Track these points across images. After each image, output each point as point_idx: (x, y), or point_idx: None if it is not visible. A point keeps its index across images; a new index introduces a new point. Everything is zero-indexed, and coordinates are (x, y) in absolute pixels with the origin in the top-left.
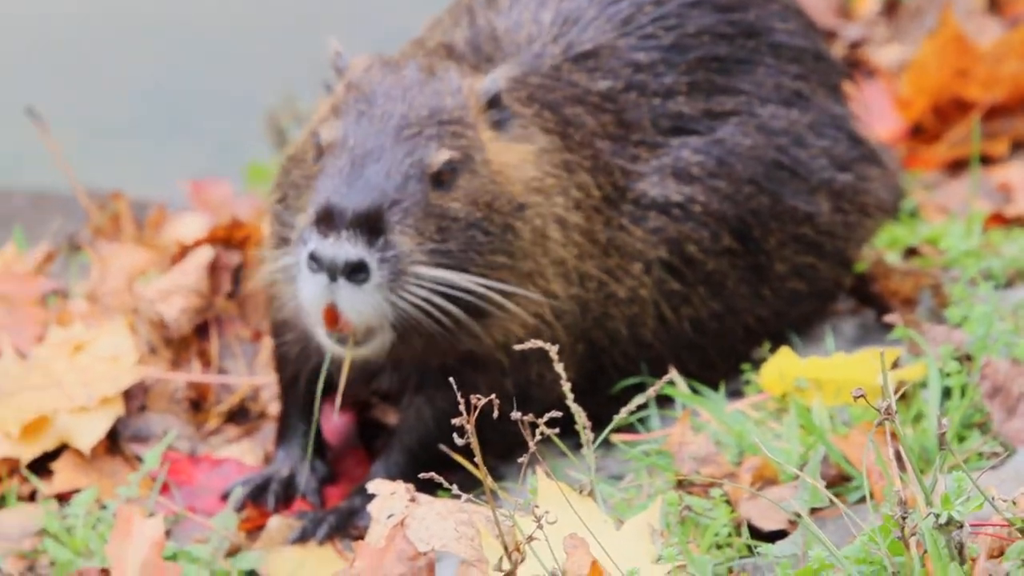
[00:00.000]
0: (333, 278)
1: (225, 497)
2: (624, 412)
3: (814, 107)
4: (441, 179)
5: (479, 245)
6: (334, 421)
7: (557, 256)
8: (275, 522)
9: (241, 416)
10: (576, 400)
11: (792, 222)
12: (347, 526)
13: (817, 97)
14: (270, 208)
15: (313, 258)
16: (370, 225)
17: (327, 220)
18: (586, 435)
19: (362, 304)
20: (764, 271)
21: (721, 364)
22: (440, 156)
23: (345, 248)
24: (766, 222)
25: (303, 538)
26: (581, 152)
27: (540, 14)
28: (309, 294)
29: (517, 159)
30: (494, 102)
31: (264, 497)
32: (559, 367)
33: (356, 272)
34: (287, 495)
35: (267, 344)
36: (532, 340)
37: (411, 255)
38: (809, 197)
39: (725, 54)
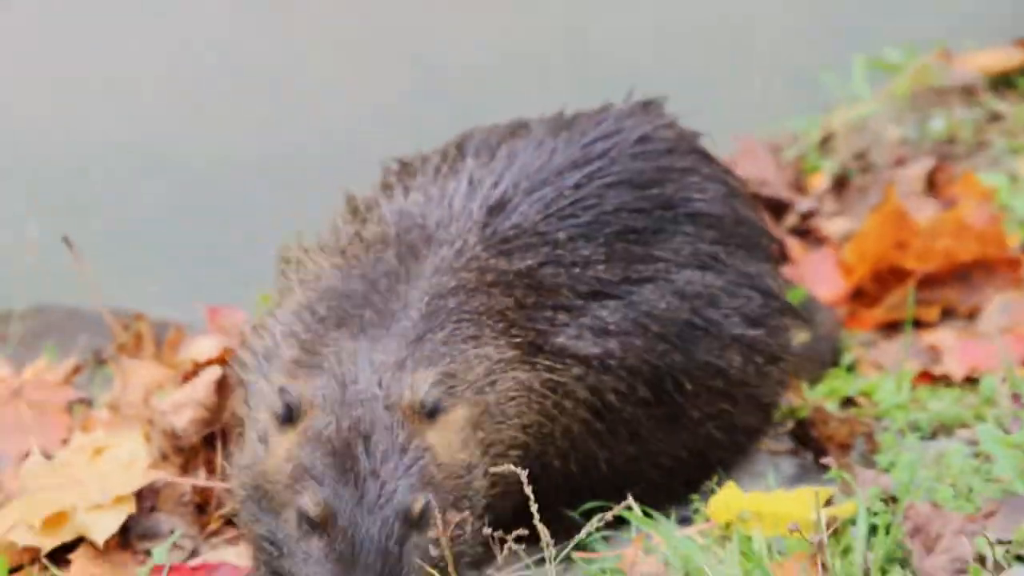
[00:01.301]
0: None
1: None
2: (584, 532)
3: (730, 269)
4: (422, 518)
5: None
6: None
7: (514, 426)
8: None
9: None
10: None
11: (704, 375)
12: None
13: (734, 259)
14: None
15: None
16: None
17: None
18: (548, 552)
19: None
20: (679, 418)
21: (646, 498)
22: (418, 504)
23: None
24: (678, 376)
25: None
26: (500, 334)
27: (469, 204)
28: None
29: (455, 431)
30: (429, 406)
31: None
32: (529, 490)
33: None
34: None
35: None
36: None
37: None
38: (720, 352)
39: (642, 226)
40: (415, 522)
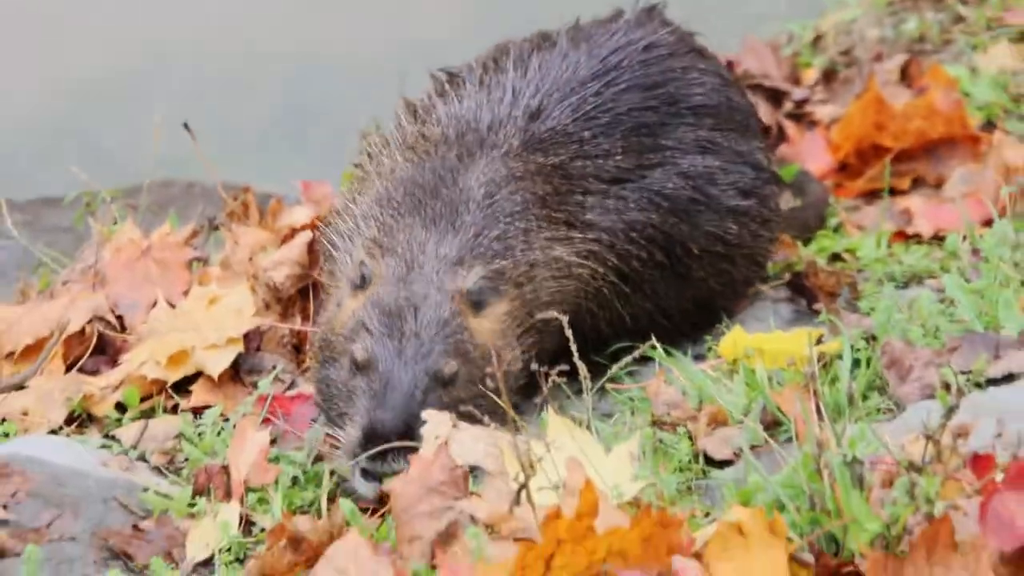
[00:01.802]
0: (381, 481)
1: (313, 420)
2: (616, 368)
3: (725, 150)
4: (449, 381)
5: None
6: None
7: (548, 303)
8: None
9: None
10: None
11: (707, 241)
12: None
13: (729, 141)
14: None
15: (365, 472)
16: (405, 438)
17: (373, 441)
18: (586, 384)
19: None
20: (687, 277)
21: (661, 342)
22: (448, 368)
23: (391, 466)
24: (686, 243)
25: None
26: (544, 221)
27: (513, 112)
28: (362, 490)
29: (496, 322)
30: (477, 298)
31: None
32: (570, 333)
33: None
34: None
35: None
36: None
37: None
38: (720, 222)
39: (651, 121)
40: (443, 381)
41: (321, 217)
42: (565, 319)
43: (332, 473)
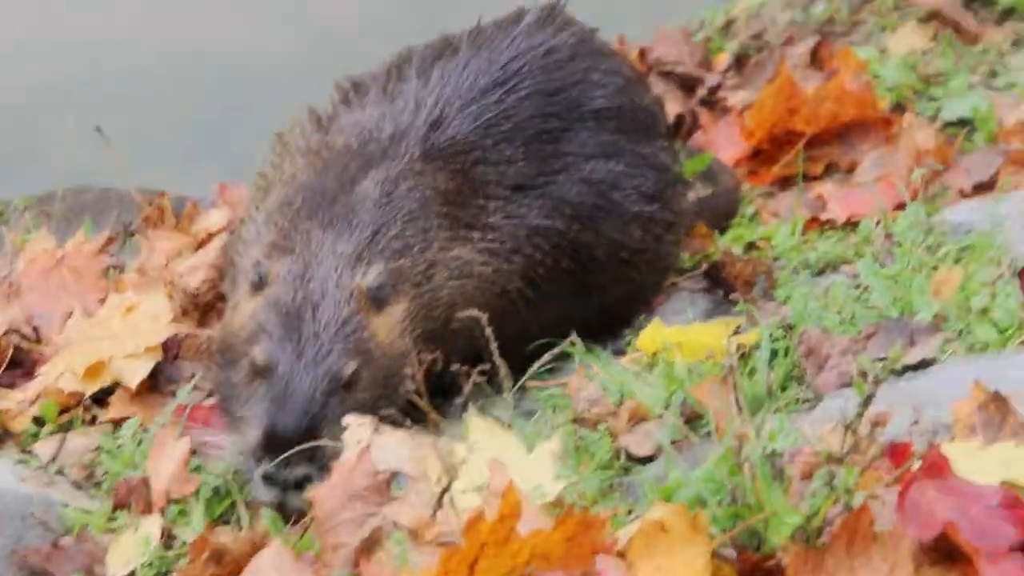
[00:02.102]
0: (283, 488)
1: None
2: (536, 366)
3: (628, 153)
4: (351, 382)
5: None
6: None
7: (452, 304)
8: None
9: None
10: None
11: (611, 247)
12: None
13: (632, 143)
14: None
15: (266, 478)
16: (306, 442)
17: (273, 446)
18: (507, 383)
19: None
20: (592, 285)
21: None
22: (348, 368)
23: (292, 472)
24: (591, 250)
25: None
26: (444, 225)
27: (415, 121)
28: (262, 496)
29: (396, 322)
30: (377, 295)
31: None
32: (489, 332)
33: (300, 484)
34: None
35: None
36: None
37: (337, 450)
38: (624, 228)
39: (553, 127)
40: (344, 383)
41: (237, 219)
42: (485, 316)
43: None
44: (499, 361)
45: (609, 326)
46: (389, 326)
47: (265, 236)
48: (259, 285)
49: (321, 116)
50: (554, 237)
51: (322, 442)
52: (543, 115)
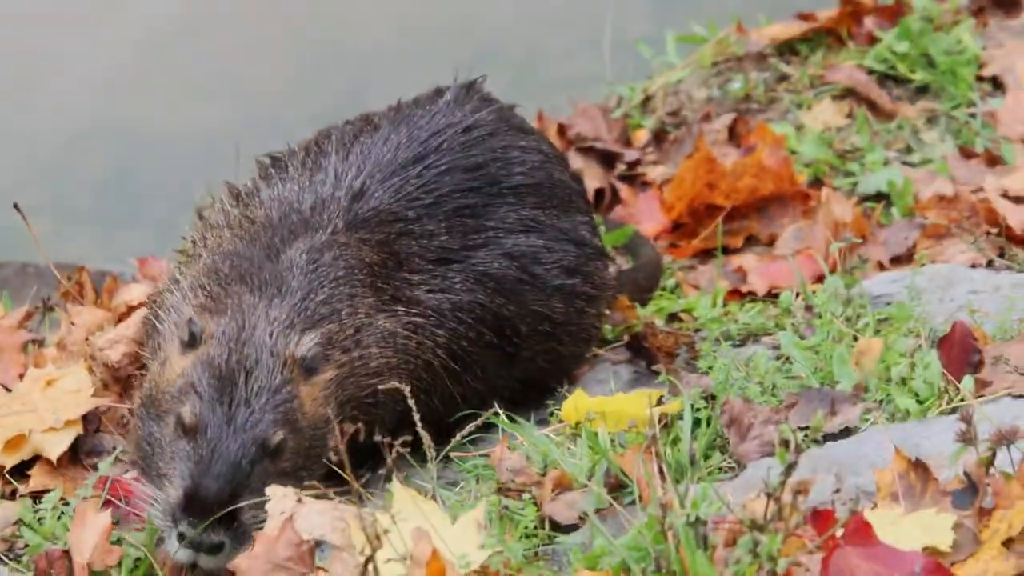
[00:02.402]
0: (197, 550)
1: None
2: (460, 436)
3: (549, 227)
4: (277, 451)
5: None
6: None
7: (377, 372)
8: None
9: None
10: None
11: (534, 321)
12: None
13: (552, 218)
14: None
15: (181, 537)
16: (227, 508)
17: (193, 508)
18: (430, 453)
19: (218, 563)
20: (515, 357)
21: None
22: (276, 437)
23: (209, 537)
24: (514, 323)
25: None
26: (370, 293)
27: (336, 193)
28: (178, 556)
29: (322, 389)
30: (309, 364)
31: None
32: (412, 403)
33: (216, 548)
34: None
35: None
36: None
37: (257, 517)
38: (546, 301)
39: (474, 202)
40: (270, 451)
41: (157, 293)
42: (407, 388)
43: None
44: (422, 431)
45: (533, 396)
46: (315, 395)
47: (192, 299)
48: (192, 342)
49: (241, 192)
50: (477, 311)
51: (244, 505)
52: (464, 190)
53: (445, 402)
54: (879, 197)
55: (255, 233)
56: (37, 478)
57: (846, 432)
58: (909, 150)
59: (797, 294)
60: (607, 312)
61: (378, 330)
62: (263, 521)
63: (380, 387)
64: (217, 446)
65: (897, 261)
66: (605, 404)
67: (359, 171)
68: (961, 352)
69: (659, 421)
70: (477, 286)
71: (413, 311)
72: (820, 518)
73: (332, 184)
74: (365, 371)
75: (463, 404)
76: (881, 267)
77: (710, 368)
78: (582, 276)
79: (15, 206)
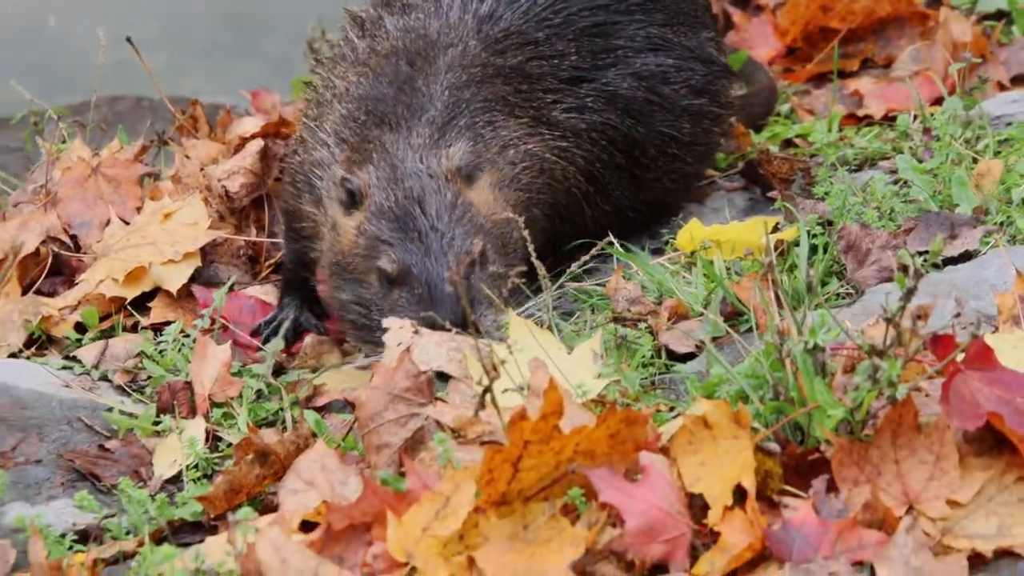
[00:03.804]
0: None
1: (254, 333)
2: (575, 266)
3: (676, 47)
4: (482, 257)
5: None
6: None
7: (528, 188)
8: (310, 342)
9: None
10: (541, 256)
11: (662, 141)
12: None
13: (679, 36)
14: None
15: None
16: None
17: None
18: (545, 283)
19: None
20: (643, 178)
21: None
22: (476, 245)
23: None
24: (643, 144)
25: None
26: (509, 116)
27: (464, 16)
28: None
29: (488, 192)
30: (467, 172)
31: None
32: (522, 226)
33: None
34: (296, 330)
35: None
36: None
37: (496, 322)
38: (674, 122)
39: (603, 20)
40: (476, 261)
41: (272, 124)
42: (520, 219)
43: (295, 385)
44: (536, 262)
45: (657, 219)
46: (483, 199)
47: (338, 154)
48: (352, 200)
49: (365, 20)
50: (610, 132)
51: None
52: (591, 8)
53: (577, 225)
54: (999, 15)
55: (385, 68)
56: (158, 310)
57: (966, 256)
58: None
59: (915, 117)
60: (729, 129)
61: (526, 152)
62: (503, 326)
63: (503, 217)
64: (430, 278)
65: (1018, 81)
66: (720, 232)
67: None
68: None
69: (775, 248)
70: (608, 107)
71: (556, 133)
72: (940, 343)
73: (459, 7)
74: (516, 184)
75: (593, 227)
76: (1001, 87)
77: (826, 194)
78: (709, 96)
79: (128, 40)
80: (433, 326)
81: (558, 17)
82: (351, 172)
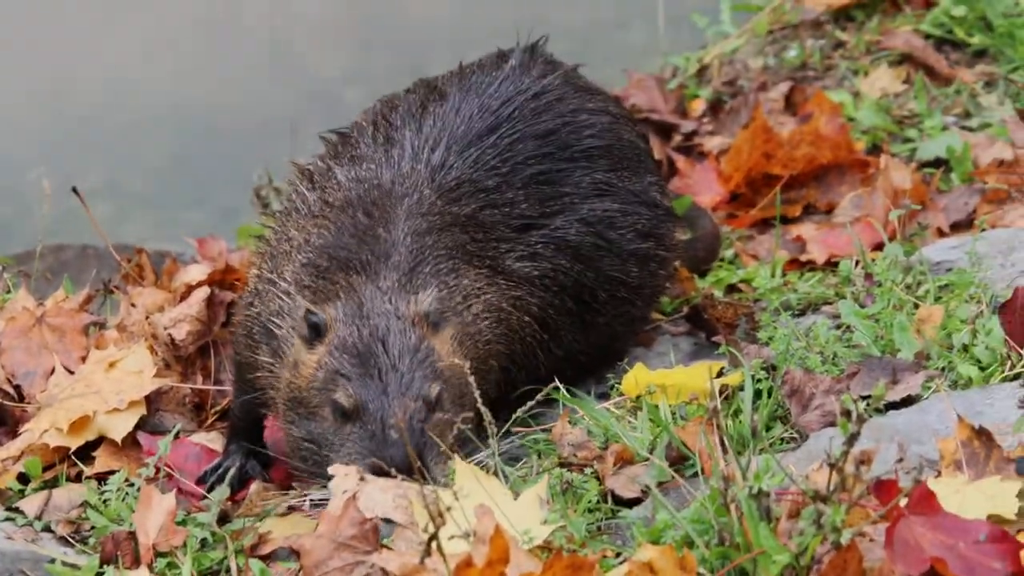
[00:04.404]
0: None
1: (200, 480)
2: (520, 412)
3: (622, 192)
4: (437, 404)
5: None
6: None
7: (488, 341)
8: (255, 489)
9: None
10: (491, 405)
11: (611, 286)
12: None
13: (623, 181)
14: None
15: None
16: (414, 470)
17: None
18: (491, 429)
19: None
20: (593, 323)
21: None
22: (434, 390)
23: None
24: (593, 289)
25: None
26: (469, 265)
27: (416, 166)
28: None
29: (449, 344)
30: (434, 318)
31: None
32: (474, 384)
33: None
34: (241, 478)
35: None
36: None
37: (445, 470)
38: (621, 266)
39: (548, 168)
40: (433, 405)
41: (218, 271)
42: (466, 364)
43: (240, 533)
44: (483, 408)
45: (607, 362)
46: (445, 348)
47: (299, 299)
48: (315, 334)
49: (314, 173)
50: (561, 278)
51: (429, 462)
52: (538, 156)
53: (529, 372)
54: (938, 163)
55: (342, 219)
56: (102, 459)
57: (908, 401)
58: (967, 115)
59: (857, 262)
60: (674, 272)
61: (486, 303)
62: (449, 473)
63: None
64: (384, 416)
65: (957, 227)
66: (665, 377)
67: (436, 143)
68: None
69: (720, 393)
70: (558, 253)
71: (511, 283)
72: (884, 488)
73: (411, 158)
74: (477, 338)
75: (544, 373)
76: (941, 234)
77: (770, 339)
78: (655, 239)
79: (74, 190)
80: (380, 471)
81: (505, 166)
82: (317, 306)
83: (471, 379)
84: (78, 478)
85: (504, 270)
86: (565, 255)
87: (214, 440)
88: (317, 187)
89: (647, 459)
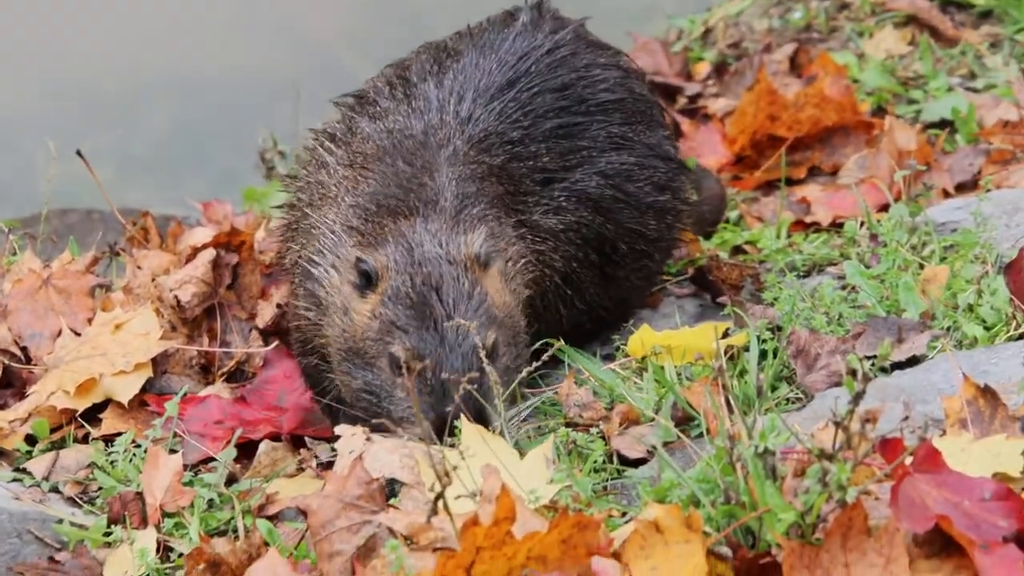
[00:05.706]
0: None
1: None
2: (525, 372)
3: (637, 145)
4: (493, 351)
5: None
6: None
7: (518, 291)
8: (264, 449)
9: (239, 376)
10: None
11: (630, 238)
12: None
13: (639, 135)
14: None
15: None
16: (474, 420)
17: (444, 435)
18: (497, 389)
19: None
20: (613, 276)
21: (592, 338)
22: (490, 338)
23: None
24: (614, 241)
25: None
26: (506, 215)
27: (445, 117)
28: None
29: (499, 280)
30: (484, 259)
31: None
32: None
33: None
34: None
35: (262, 316)
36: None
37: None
38: (640, 218)
39: (566, 122)
40: (488, 353)
41: (223, 234)
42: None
43: (247, 493)
44: (488, 368)
45: (624, 315)
46: (496, 285)
47: (347, 240)
48: (367, 282)
49: (336, 134)
50: (583, 230)
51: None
52: (556, 110)
53: (551, 326)
54: (943, 124)
55: (382, 168)
56: (109, 421)
57: (913, 360)
58: (972, 76)
59: (862, 223)
60: (688, 225)
61: (516, 252)
62: (513, 417)
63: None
64: (442, 368)
65: (962, 188)
66: (671, 338)
67: (460, 97)
68: None
69: (725, 354)
70: (580, 206)
71: (539, 237)
72: (889, 447)
73: (437, 109)
74: (515, 284)
75: (568, 326)
76: (946, 194)
77: (775, 300)
78: (671, 192)
79: (79, 153)
80: (440, 427)
81: (527, 119)
82: (366, 252)
83: (521, 319)
84: (85, 440)
85: (531, 224)
86: (587, 207)
87: (221, 391)
88: (341, 144)
89: (652, 419)
